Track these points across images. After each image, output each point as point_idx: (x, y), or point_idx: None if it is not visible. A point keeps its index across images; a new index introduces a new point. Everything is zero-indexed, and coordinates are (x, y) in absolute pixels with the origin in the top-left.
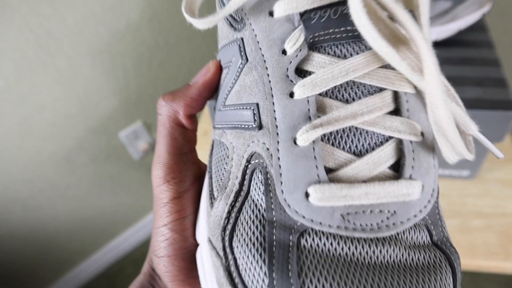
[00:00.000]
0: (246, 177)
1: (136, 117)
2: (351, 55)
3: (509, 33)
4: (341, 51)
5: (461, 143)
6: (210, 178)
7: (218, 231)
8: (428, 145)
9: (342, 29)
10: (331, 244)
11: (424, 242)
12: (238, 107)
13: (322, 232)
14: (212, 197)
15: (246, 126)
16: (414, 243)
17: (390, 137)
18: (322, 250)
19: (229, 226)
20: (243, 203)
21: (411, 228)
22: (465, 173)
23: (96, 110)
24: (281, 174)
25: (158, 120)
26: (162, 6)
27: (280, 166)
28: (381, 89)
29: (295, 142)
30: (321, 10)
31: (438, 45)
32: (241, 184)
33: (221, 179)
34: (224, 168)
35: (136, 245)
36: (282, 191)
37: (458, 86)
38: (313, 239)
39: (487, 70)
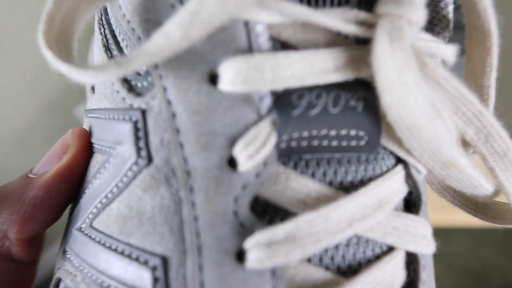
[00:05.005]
0: None
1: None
2: (355, 183)
3: None
4: (335, 173)
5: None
6: None
7: None
8: None
9: (344, 133)
10: None
11: None
12: (122, 254)
13: None
14: None
15: None
16: None
17: None
18: None
19: None
20: None
21: None
22: None
23: (46, 85)
24: None
25: None
26: None
27: None
28: (390, 248)
29: None
30: (312, 92)
31: None
32: None
33: None
34: None
35: None
36: None
37: None
38: None
39: None
